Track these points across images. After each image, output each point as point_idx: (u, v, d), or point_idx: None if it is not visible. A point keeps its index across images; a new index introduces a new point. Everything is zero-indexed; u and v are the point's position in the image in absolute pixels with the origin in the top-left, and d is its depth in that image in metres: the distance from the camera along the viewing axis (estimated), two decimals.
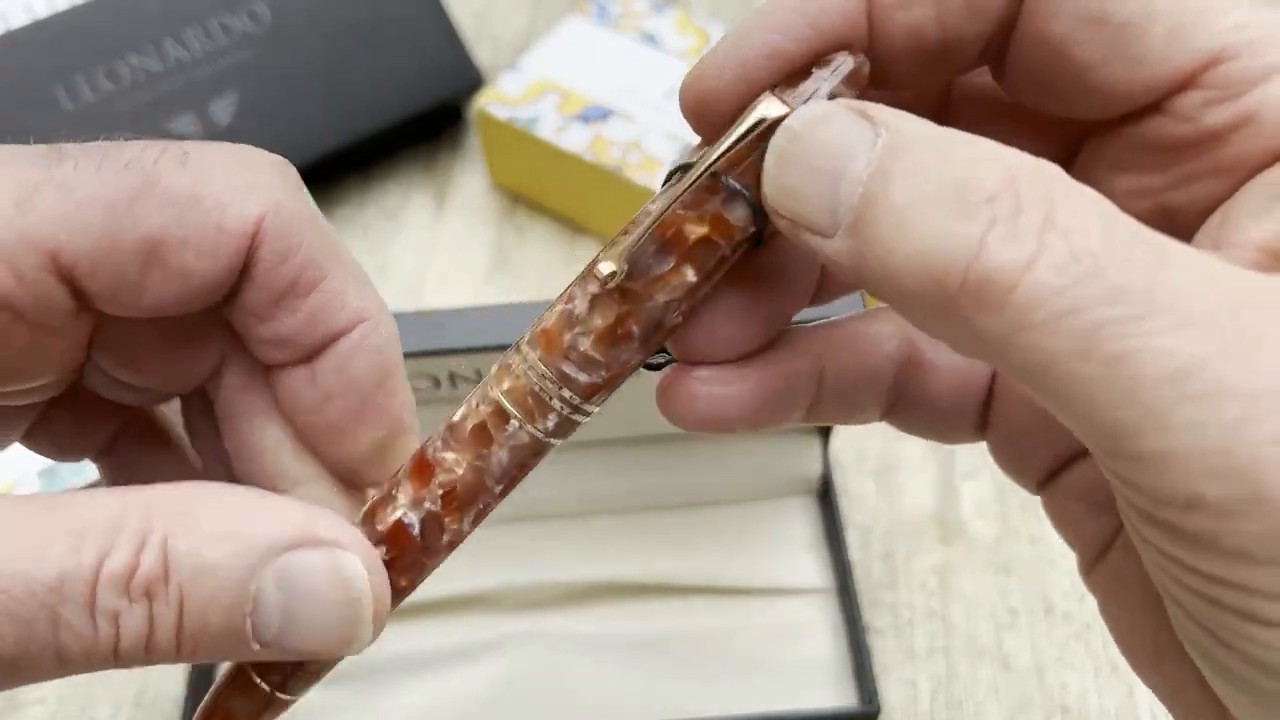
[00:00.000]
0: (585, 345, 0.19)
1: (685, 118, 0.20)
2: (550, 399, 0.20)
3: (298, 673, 0.21)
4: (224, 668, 0.21)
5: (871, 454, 0.47)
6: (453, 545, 0.21)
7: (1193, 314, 0.14)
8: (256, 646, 0.18)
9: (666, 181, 0.19)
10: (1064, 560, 0.43)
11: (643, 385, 0.21)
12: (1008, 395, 0.22)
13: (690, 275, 0.19)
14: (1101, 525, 0.22)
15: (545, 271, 0.55)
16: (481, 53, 0.63)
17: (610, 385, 0.20)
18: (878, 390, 0.22)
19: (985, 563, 0.44)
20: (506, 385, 0.20)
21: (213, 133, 0.53)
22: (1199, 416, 0.14)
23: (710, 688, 0.41)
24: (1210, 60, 0.17)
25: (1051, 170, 0.16)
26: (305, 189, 0.22)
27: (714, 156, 0.18)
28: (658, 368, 0.21)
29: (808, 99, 0.18)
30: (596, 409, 0.20)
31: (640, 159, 0.51)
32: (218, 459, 0.24)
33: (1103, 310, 0.14)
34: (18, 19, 0.52)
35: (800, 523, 0.45)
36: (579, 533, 0.44)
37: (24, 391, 0.22)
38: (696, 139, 0.20)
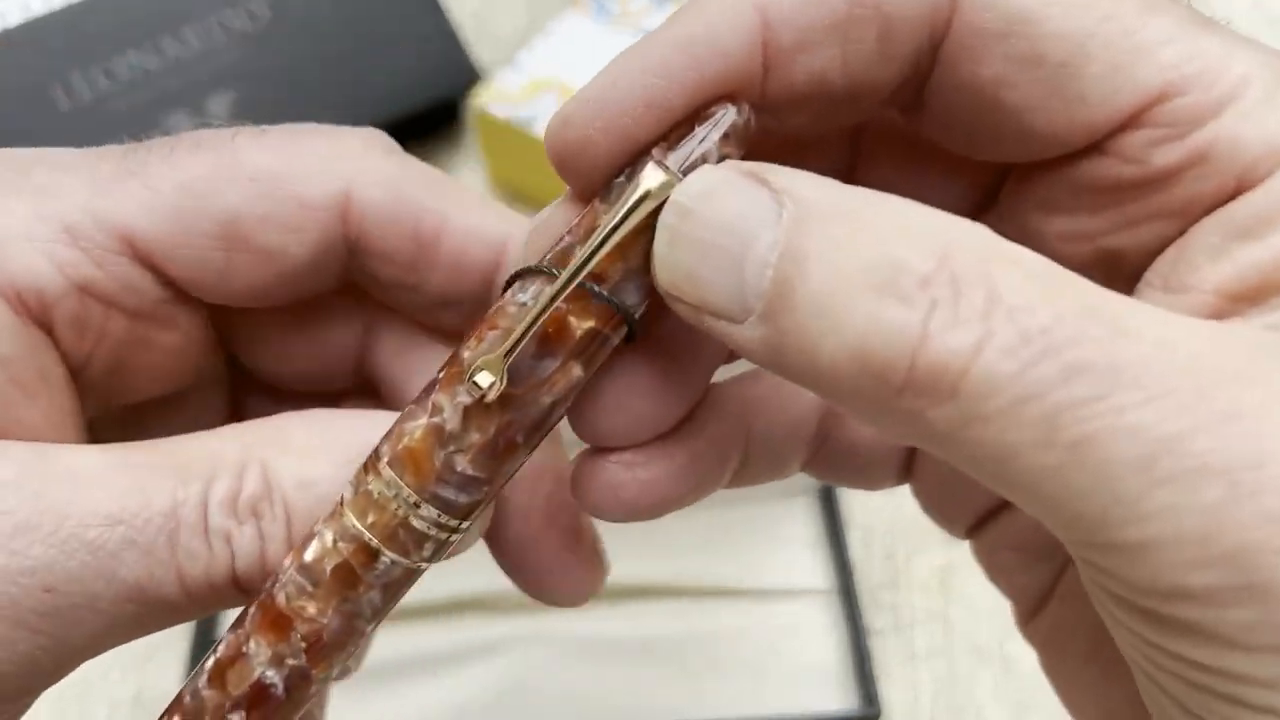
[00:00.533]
0: (463, 464, 0.17)
1: (553, 167, 0.17)
2: (427, 528, 0.17)
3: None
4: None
5: None
6: (328, 684, 0.19)
7: (1158, 387, 0.13)
8: None
9: (508, 287, 0.17)
10: None
11: None
12: None
13: (578, 372, 0.17)
14: (1037, 574, 0.21)
15: None
16: (480, 50, 0.63)
17: (495, 495, 0.18)
18: (802, 441, 0.21)
19: None
20: (371, 519, 0.17)
21: None
22: (1176, 501, 0.13)
23: (711, 689, 0.41)
24: (1155, 97, 0.16)
25: (985, 237, 0.14)
26: (399, 148, 0.21)
27: (591, 250, 0.16)
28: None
29: (691, 162, 0.16)
30: (481, 521, 0.18)
31: None
32: None
33: (1061, 392, 0.13)
34: (14, 17, 0.52)
35: (802, 523, 0.45)
36: None
37: (168, 394, 0.22)
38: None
